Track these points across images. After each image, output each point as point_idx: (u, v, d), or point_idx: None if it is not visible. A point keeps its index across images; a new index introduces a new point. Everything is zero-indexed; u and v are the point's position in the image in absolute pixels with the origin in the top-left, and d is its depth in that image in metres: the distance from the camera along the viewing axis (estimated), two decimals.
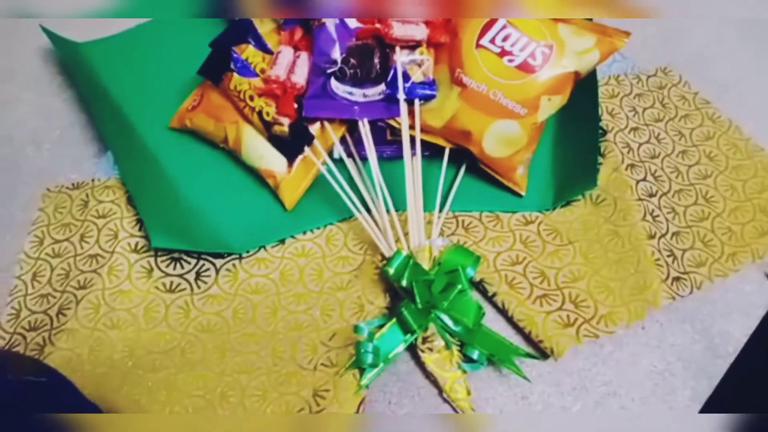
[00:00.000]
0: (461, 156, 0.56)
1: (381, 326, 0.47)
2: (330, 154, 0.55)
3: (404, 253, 0.48)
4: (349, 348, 0.47)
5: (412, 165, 0.52)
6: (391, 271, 0.47)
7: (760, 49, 0.70)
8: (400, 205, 0.52)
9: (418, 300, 0.46)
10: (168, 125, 0.60)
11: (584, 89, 0.55)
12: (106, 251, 0.52)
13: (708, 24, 0.72)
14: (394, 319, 0.47)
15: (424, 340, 0.47)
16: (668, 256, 0.51)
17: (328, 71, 0.52)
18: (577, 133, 0.57)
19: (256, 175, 0.56)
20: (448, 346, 0.47)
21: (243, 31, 0.55)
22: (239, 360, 0.47)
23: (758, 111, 0.63)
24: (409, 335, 0.46)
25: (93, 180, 0.57)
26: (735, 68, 0.68)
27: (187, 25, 0.67)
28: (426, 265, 0.49)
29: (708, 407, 0.45)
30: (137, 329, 0.49)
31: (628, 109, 0.61)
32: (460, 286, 0.47)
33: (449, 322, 0.47)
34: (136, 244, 0.52)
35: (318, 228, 0.54)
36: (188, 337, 0.48)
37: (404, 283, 0.47)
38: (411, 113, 0.54)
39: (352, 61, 0.52)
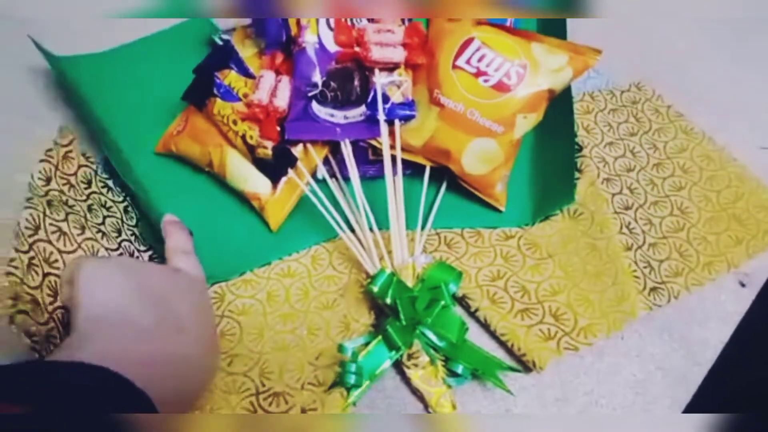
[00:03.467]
0: (442, 174, 0.57)
1: (367, 344, 0.48)
2: (314, 175, 0.56)
3: (388, 271, 0.49)
4: (335, 367, 0.47)
5: (394, 184, 0.53)
6: (376, 289, 0.48)
7: (732, 58, 0.72)
8: (383, 223, 0.53)
9: (402, 317, 0.47)
10: (154, 150, 0.61)
11: (560, 106, 0.56)
12: None
13: (682, 37, 0.74)
14: (379, 337, 0.48)
15: (410, 357, 0.48)
16: (645, 267, 0.53)
17: (309, 94, 0.53)
18: (554, 150, 0.58)
19: (241, 198, 0.57)
20: (432, 362, 0.48)
21: (225, 56, 0.56)
22: (227, 379, 0.48)
23: (730, 121, 0.64)
24: (394, 352, 0.47)
25: None
26: (708, 79, 0.70)
27: (171, 48, 0.67)
28: (410, 282, 0.50)
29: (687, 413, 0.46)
30: None
31: (602, 124, 0.62)
32: (443, 302, 0.48)
33: (434, 338, 0.48)
34: None
35: (304, 249, 0.55)
36: None
37: (388, 300, 0.48)
38: (392, 133, 0.55)
39: (333, 84, 0.53)
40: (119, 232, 0.52)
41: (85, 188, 0.53)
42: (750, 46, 0.74)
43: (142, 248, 0.53)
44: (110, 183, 0.56)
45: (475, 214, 0.57)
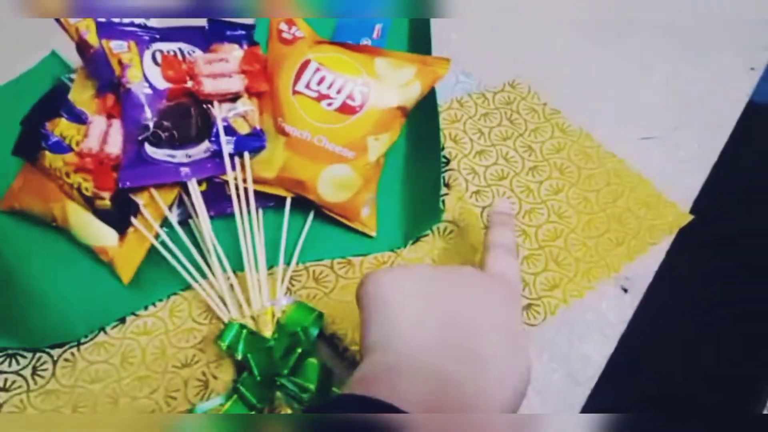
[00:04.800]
0: (308, 203, 0.54)
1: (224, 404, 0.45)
2: (166, 220, 0.52)
3: (240, 320, 0.46)
4: None
5: (243, 221, 0.49)
6: (224, 345, 0.45)
7: (606, 51, 0.69)
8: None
9: (255, 372, 0.44)
10: None
11: (424, 118, 0.53)
12: None
13: (554, 33, 0.71)
14: (234, 396, 0.44)
15: (272, 413, 0.44)
16: None
17: (140, 138, 0.49)
18: (421, 166, 0.55)
19: (91, 252, 0.53)
20: None
21: (55, 103, 0.52)
22: None
23: (607, 114, 0.61)
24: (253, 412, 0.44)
25: None
26: (583, 74, 0.66)
27: (18, 98, 0.62)
28: (268, 331, 0.46)
29: None
30: None
31: (473, 132, 0.59)
32: (300, 349, 0.45)
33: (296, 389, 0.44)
34: None
35: (161, 300, 0.51)
36: None
37: (239, 356, 0.44)
38: (243, 166, 0.51)
39: (166, 123, 0.49)
40: None
41: None
42: (623, 39, 0.71)
43: None
44: None
45: (345, 243, 0.54)
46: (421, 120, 0.53)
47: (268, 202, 0.54)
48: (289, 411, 0.44)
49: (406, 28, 0.63)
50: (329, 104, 0.49)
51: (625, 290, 0.51)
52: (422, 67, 0.49)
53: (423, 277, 0.35)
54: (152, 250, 0.52)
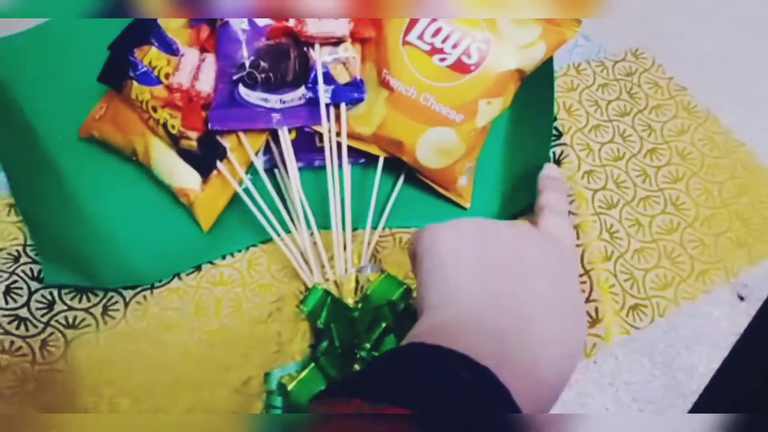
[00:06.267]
0: (400, 164, 0.50)
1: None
2: (252, 166, 0.49)
3: (323, 286, 0.43)
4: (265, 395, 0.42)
5: (333, 177, 0.46)
6: (306, 310, 0.42)
7: (744, 26, 0.61)
8: (330, 222, 0.46)
9: (337, 343, 0.41)
10: (77, 135, 0.54)
11: (538, 83, 0.48)
12: (3, 272, 0.47)
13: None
14: (312, 365, 0.42)
15: None
16: (626, 279, 0.45)
17: (235, 77, 0.45)
18: (528, 136, 0.50)
19: (171, 192, 0.50)
20: None
21: (145, 30, 0.49)
22: (146, 408, 0.42)
23: (739, 97, 0.55)
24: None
25: None
26: (716, 47, 0.59)
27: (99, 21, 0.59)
28: (351, 299, 0.43)
29: None
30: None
31: (589, 103, 0.53)
32: (384, 323, 0.42)
33: None
34: (39, 272, 0.47)
35: (240, 251, 0.49)
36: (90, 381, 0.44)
37: (320, 324, 0.42)
38: (337, 118, 0.48)
39: (263, 64, 0.46)
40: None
41: None
42: (765, 15, 0.63)
43: None
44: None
45: (436, 211, 0.50)
46: (534, 84, 0.48)
47: (359, 158, 0.51)
48: None
49: None
50: (442, 60, 0.44)
51: (742, 298, 0.46)
52: (548, 27, 0.44)
53: (479, 232, 0.35)
54: (234, 197, 0.49)
